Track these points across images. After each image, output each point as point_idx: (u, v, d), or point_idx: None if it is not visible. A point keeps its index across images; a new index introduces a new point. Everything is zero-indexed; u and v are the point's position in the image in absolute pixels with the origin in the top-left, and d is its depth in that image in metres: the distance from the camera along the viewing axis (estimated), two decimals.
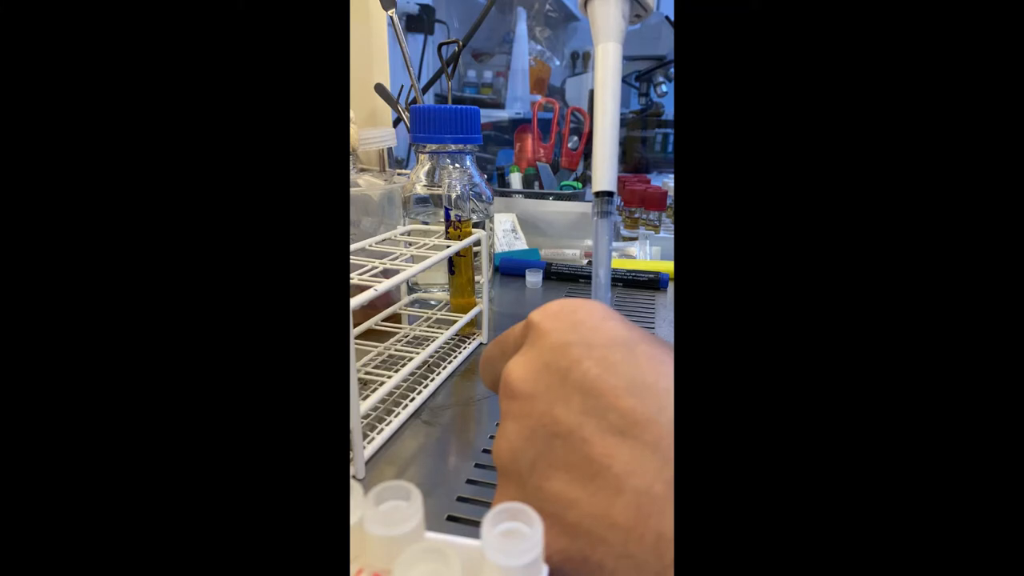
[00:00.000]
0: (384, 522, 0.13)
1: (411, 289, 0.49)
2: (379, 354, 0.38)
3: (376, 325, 0.42)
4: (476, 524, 0.12)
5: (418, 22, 1.02)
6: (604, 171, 0.28)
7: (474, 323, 0.43)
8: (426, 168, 0.47)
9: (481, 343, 0.43)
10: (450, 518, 0.25)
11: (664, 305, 0.54)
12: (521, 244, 0.69)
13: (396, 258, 0.35)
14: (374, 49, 0.69)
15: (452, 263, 0.41)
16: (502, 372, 0.17)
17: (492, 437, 0.31)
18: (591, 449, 0.14)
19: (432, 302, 0.48)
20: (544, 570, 0.13)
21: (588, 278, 0.60)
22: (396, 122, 0.68)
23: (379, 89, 0.64)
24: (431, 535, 0.13)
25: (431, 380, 0.36)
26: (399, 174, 0.57)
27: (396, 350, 0.39)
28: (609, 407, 0.14)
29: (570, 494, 0.14)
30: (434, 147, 0.46)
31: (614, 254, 0.68)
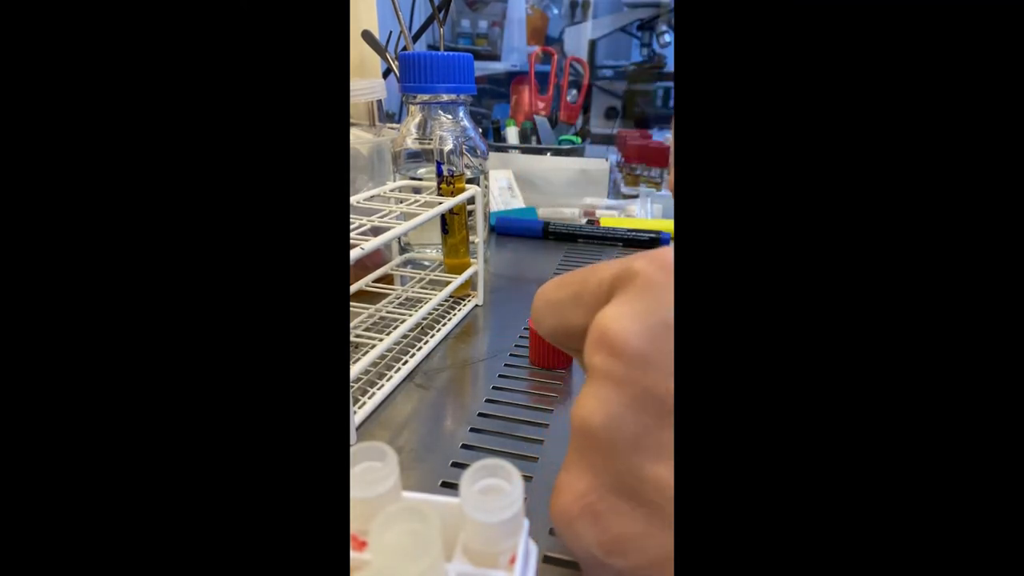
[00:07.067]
0: (359, 484, 0.12)
1: (403, 249, 0.47)
2: (370, 316, 0.37)
3: (367, 286, 0.40)
4: None
5: None
6: None
7: (469, 284, 0.42)
8: (417, 120, 0.45)
9: (477, 305, 0.42)
10: (444, 484, 0.24)
11: None
12: (518, 202, 0.67)
13: (386, 215, 0.33)
14: None
15: (445, 221, 0.40)
16: (591, 322, 0.14)
17: (489, 401, 0.30)
18: None
19: (425, 263, 0.47)
20: (525, 524, 0.12)
21: (587, 238, 0.58)
22: (386, 73, 0.64)
23: (366, 36, 0.60)
24: (408, 494, 0.13)
25: (425, 343, 0.35)
26: (389, 128, 0.54)
27: (388, 312, 0.38)
28: None
29: None
30: (425, 97, 0.43)
31: (614, 213, 0.66)
